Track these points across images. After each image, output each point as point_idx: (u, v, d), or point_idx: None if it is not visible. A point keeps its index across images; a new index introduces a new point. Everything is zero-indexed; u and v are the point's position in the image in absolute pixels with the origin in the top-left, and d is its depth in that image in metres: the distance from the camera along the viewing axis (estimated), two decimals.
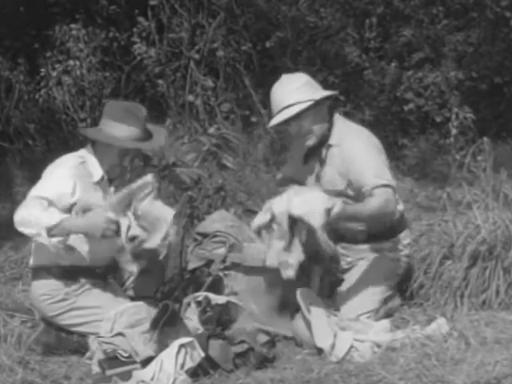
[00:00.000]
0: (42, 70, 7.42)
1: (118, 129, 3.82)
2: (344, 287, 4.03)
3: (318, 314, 3.73)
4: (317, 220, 3.55)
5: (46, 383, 3.52)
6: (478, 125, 7.09)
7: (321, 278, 3.91)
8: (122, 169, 3.92)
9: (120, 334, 3.58)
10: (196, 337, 3.50)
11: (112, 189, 3.93)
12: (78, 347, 3.80)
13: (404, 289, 4.22)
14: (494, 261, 4.07)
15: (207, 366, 3.48)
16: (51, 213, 3.62)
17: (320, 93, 3.98)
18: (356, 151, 3.89)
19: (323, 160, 4.01)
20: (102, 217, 3.67)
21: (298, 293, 3.80)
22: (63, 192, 3.72)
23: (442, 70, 7.47)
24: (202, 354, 3.45)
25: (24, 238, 4.20)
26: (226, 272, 4.11)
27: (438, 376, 3.25)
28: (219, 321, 3.69)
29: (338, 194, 3.88)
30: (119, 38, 7.62)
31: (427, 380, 3.25)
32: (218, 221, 4.35)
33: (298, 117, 3.90)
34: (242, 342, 3.58)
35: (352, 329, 3.72)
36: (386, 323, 3.84)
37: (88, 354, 3.68)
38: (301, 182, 4.07)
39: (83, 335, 3.80)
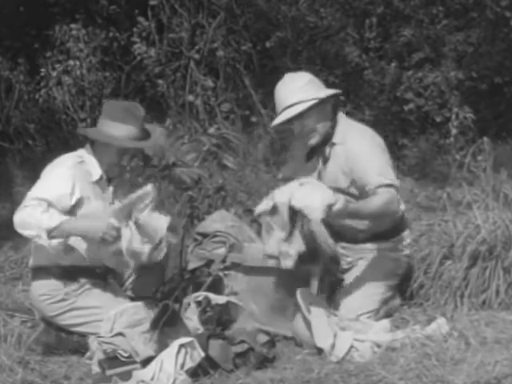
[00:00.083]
0: (42, 69, 7.42)
1: (117, 128, 3.82)
2: (344, 287, 4.03)
3: (318, 314, 3.73)
4: (315, 214, 3.56)
5: (45, 383, 3.52)
6: (477, 125, 7.09)
7: (321, 278, 3.91)
8: (120, 168, 3.92)
9: (120, 334, 3.58)
10: (196, 337, 3.50)
11: (111, 188, 3.94)
12: (78, 347, 3.80)
13: (404, 289, 4.22)
14: (493, 261, 4.07)
15: (207, 365, 3.48)
16: (51, 215, 3.62)
17: (324, 91, 3.98)
18: (360, 150, 3.89)
19: (326, 158, 4.01)
20: (102, 221, 3.67)
21: (298, 293, 3.80)
22: (62, 193, 3.72)
23: (442, 70, 7.47)
24: (202, 354, 3.45)
25: (24, 238, 4.19)
26: (226, 272, 4.11)
27: (438, 376, 3.25)
28: (219, 321, 3.69)
29: (340, 191, 3.89)
30: (119, 38, 7.63)
31: (427, 380, 3.24)
32: (218, 221, 4.35)
33: (301, 116, 3.90)
34: (242, 341, 3.58)
35: (352, 329, 3.72)
36: (385, 323, 3.84)
37: (88, 354, 3.68)
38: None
39: (83, 335, 3.80)
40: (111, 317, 3.68)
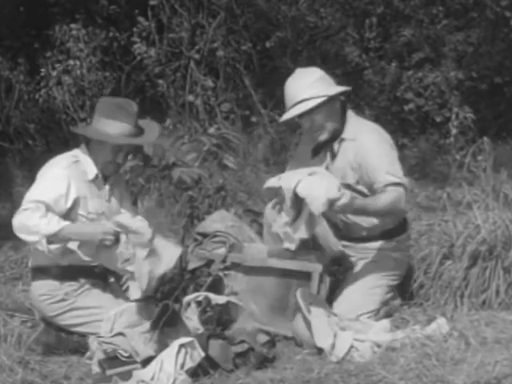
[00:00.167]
0: (42, 69, 7.43)
1: (111, 126, 3.83)
2: (345, 287, 4.03)
3: (318, 314, 3.73)
4: (317, 206, 3.58)
5: (45, 383, 3.51)
6: (478, 125, 7.09)
7: (321, 277, 3.91)
8: (116, 166, 3.92)
9: (120, 333, 3.58)
10: (196, 337, 3.50)
11: (107, 186, 3.94)
12: (78, 347, 3.80)
13: (404, 289, 4.21)
14: (493, 261, 4.07)
15: (207, 365, 3.48)
16: (49, 219, 3.62)
17: (334, 88, 3.98)
18: (370, 146, 3.90)
19: (335, 153, 4.01)
20: (100, 227, 3.68)
21: (298, 293, 3.80)
22: (59, 193, 3.73)
23: (442, 70, 7.48)
24: (202, 354, 3.45)
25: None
26: (226, 272, 4.10)
27: (438, 376, 3.25)
28: (219, 321, 3.69)
29: (348, 188, 3.90)
30: (119, 38, 7.63)
31: (427, 380, 3.24)
32: (218, 221, 4.35)
33: (311, 112, 3.91)
34: (242, 341, 3.58)
35: (352, 329, 3.72)
36: (386, 323, 3.84)
37: (88, 353, 3.68)
38: None
39: (83, 335, 3.80)
40: (111, 317, 3.68)
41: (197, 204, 5.13)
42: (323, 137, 3.99)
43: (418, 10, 7.86)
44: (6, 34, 7.77)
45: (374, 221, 4.01)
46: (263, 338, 3.67)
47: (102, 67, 7.49)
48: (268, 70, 7.91)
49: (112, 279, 3.98)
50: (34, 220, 3.60)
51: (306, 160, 4.10)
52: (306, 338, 3.75)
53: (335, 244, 3.99)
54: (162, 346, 3.49)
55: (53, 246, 3.65)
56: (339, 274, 4.15)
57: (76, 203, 3.79)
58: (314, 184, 3.62)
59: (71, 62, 7.33)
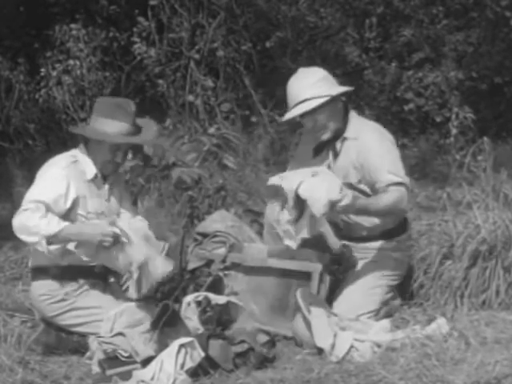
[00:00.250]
0: (42, 69, 7.42)
1: (109, 125, 3.83)
2: (345, 287, 4.03)
3: (318, 314, 3.72)
4: (318, 208, 3.59)
5: (45, 383, 3.51)
6: (478, 125, 7.09)
7: (321, 277, 3.91)
8: (114, 165, 3.92)
9: (120, 333, 3.58)
10: (196, 337, 3.50)
11: (106, 186, 3.94)
12: (78, 347, 3.80)
13: (404, 289, 4.21)
14: (494, 261, 4.07)
15: (207, 365, 3.48)
16: (49, 220, 3.62)
17: (336, 88, 3.98)
18: (373, 146, 3.91)
19: (337, 152, 4.01)
20: (99, 228, 3.68)
21: (298, 293, 3.80)
22: (58, 194, 3.72)
23: (442, 70, 7.48)
24: (202, 354, 3.45)
25: None
26: (226, 272, 4.11)
27: (438, 376, 3.25)
28: (219, 321, 3.69)
29: (349, 186, 3.91)
30: (119, 38, 7.63)
31: (427, 380, 3.24)
32: (218, 221, 4.35)
33: (313, 111, 3.91)
34: (242, 341, 3.58)
35: (352, 329, 3.72)
36: (386, 323, 3.83)
37: (88, 353, 3.68)
38: None
39: (83, 335, 3.79)
40: (111, 317, 3.68)
41: (197, 204, 5.13)
42: (325, 136, 3.99)
43: (418, 9, 7.86)
44: (5, 34, 7.77)
45: (375, 220, 4.01)
46: (263, 338, 3.67)
47: (102, 67, 7.49)
48: (268, 70, 7.91)
49: (112, 279, 3.98)
50: (33, 221, 3.60)
51: (307, 160, 4.10)
52: (306, 338, 3.74)
53: (335, 243, 3.99)
54: (162, 345, 3.49)
55: (52, 247, 3.65)
56: (339, 273, 4.15)
57: (75, 203, 3.79)
58: (316, 185, 3.62)
59: (71, 62, 7.33)
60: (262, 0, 7.85)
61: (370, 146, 3.91)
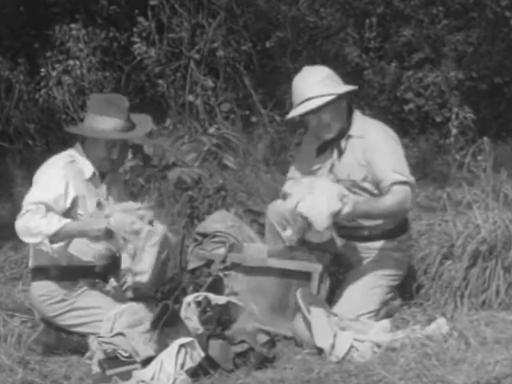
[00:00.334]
0: (42, 69, 7.42)
1: (103, 122, 3.83)
2: (345, 287, 4.03)
3: (318, 314, 3.72)
4: (321, 223, 3.63)
5: (45, 383, 3.51)
6: (478, 125, 7.09)
7: (321, 277, 3.91)
8: (110, 162, 3.91)
9: (120, 333, 3.58)
10: (196, 337, 3.50)
11: (104, 186, 3.94)
12: (78, 347, 3.80)
13: (404, 289, 4.21)
14: (493, 261, 4.07)
15: (207, 365, 3.48)
16: (49, 220, 3.62)
17: (341, 87, 3.98)
18: (378, 145, 3.92)
19: (342, 150, 4.01)
20: (99, 222, 3.68)
21: (298, 293, 3.80)
22: (57, 194, 3.73)
23: (442, 70, 7.48)
24: (202, 354, 3.45)
25: None
26: (226, 272, 4.10)
27: (438, 376, 3.25)
28: (219, 321, 3.69)
29: (352, 184, 3.92)
30: (119, 38, 7.63)
31: (427, 380, 3.24)
32: (218, 221, 4.35)
33: (318, 110, 3.91)
34: (242, 341, 3.58)
35: (352, 329, 3.72)
36: (386, 323, 3.84)
37: (88, 353, 3.68)
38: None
39: (83, 335, 3.80)
40: (111, 317, 3.68)
41: (197, 204, 5.13)
42: (330, 135, 4.00)
43: (418, 9, 7.85)
44: (6, 34, 7.76)
45: (376, 220, 4.01)
46: (263, 338, 3.67)
47: (102, 67, 7.49)
48: (268, 70, 7.90)
49: (112, 279, 3.98)
50: (34, 222, 3.60)
51: (310, 159, 4.11)
52: (305, 338, 3.75)
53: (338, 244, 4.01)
54: (162, 345, 3.49)
55: (56, 246, 3.66)
56: (339, 273, 4.15)
57: (75, 203, 3.79)
58: (315, 203, 3.66)
59: (71, 62, 7.32)
60: (262, 0, 7.84)
61: (376, 144, 3.92)
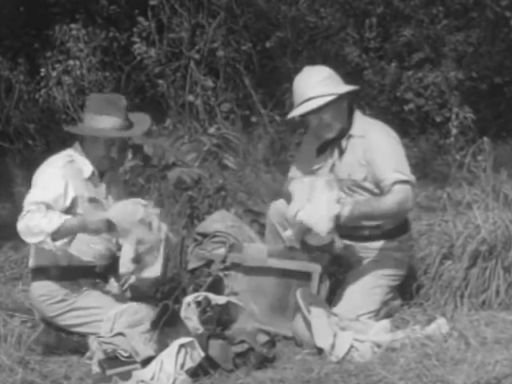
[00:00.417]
0: (42, 69, 7.42)
1: (101, 121, 3.84)
2: (345, 287, 4.03)
3: (318, 314, 3.72)
4: (323, 228, 3.68)
5: (45, 383, 3.51)
6: (478, 125, 7.09)
7: (321, 277, 3.91)
8: (109, 160, 3.91)
9: (120, 333, 3.58)
10: (196, 337, 3.50)
11: (104, 185, 3.94)
12: (78, 347, 3.80)
13: (404, 289, 4.21)
14: (493, 261, 4.07)
15: (207, 365, 3.48)
16: (50, 218, 3.62)
17: (342, 87, 3.99)
18: (379, 144, 3.92)
19: (343, 150, 4.01)
20: (102, 215, 3.68)
21: (298, 293, 3.80)
22: (57, 193, 3.73)
23: (442, 70, 7.48)
24: (202, 354, 3.45)
25: None
26: (226, 272, 4.10)
27: (438, 376, 3.25)
28: (219, 321, 3.69)
29: (353, 184, 3.92)
30: (119, 38, 7.63)
31: (427, 380, 3.24)
32: (218, 221, 4.35)
33: (319, 110, 3.91)
34: (242, 341, 3.58)
35: (352, 329, 3.72)
36: (386, 323, 3.83)
37: (88, 353, 3.68)
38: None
39: (83, 335, 3.80)
40: (111, 317, 3.68)
41: (197, 204, 5.13)
42: (330, 135, 4.00)
43: (418, 9, 7.85)
44: (5, 34, 7.76)
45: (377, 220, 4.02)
46: (263, 338, 3.67)
47: (102, 67, 7.49)
48: (268, 70, 7.90)
49: (112, 279, 3.98)
50: (35, 221, 3.60)
51: (310, 159, 4.11)
52: (305, 338, 3.74)
53: (338, 245, 4.01)
54: (162, 346, 3.49)
55: (58, 243, 3.65)
56: (339, 274, 4.15)
57: (74, 202, 3.79)
58: (314, 209, 3.69)
59: (71, 62, 7.32)
60: (262, 0, 7.84)
61: (377, 144, 3.92)
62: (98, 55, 7.46)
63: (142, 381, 3.38)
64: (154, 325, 3.56)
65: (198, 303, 3.75)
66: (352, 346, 3.60)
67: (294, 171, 4.20)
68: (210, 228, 4.30)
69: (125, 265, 3.72)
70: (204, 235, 4.30)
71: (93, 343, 3.62)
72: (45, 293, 3.85)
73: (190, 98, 7.41)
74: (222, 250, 4.17)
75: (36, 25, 7.84)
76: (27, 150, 7.43)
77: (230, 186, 5.76)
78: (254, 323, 3.79)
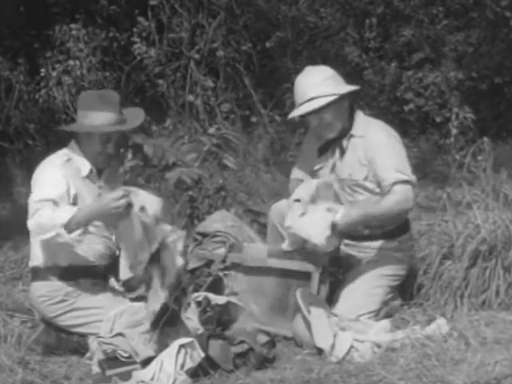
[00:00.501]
0: (42, 69, 7.42)
1: (95, 117, 3.83)
2: (345, 287, 4.03)
3: (318, 314, 3.72)
4: (320, 237, 3.74)
5: (45, 383, 3.52)
6: (478, 125, 7.09)
7: (320, 278, 3.91)
8: (106, 156, 3.90)
9: (120, 334, 3.58)
10: (196, 337, 3.50)
11: (101, 182, 3.94)
12: (78, 347, 3.80)
13: (404, 289, 4.21)
14: (493, 261, 4.07)
15: (207, 366, 3.48)
16: (59, 211, 3.61)
17: (344, 87, 3.99)
18: (380, 144, 3.93)
19: (343, 150, 4.02)
20: (109, 195, 3.63)
21: (298, 293, 3.80)
22: (62, 190, 3.73)
23: (442, 70, 7.48)
24: (202, 354, 3.45)
25: (24, 238, 4.19)
26: (226, 272, 4.11)
27: (437, 376, 3.25)
28: (219, 321, 3.69)
29: (354, 184, 3.92)
30: (119, 38, 7.63)
31: (427, 380, 3.24)
32: (218, 221, 4.35)
33: (320, 110, 3.91)
34: (242, 342, 3.58)
35: (352, 329, 3.72)
36: (386, 323, 3.84)
37: (88, 354, 3.68)
38: (313, 176, 4.09)
39: (83, 336, 3.79)
40: (111, 317, 3.68)
41: (197, 204, 5.13)
42: (331, 135, 4.00)
43: (418, 9, 7.85)
44: (6, 34, 7.76)
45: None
46: (263, 339, 3.67)
47: (102, 67, 7.49)
48: (268, 70, 7.91)
49: (112, 279, 3.98)
50: (46, 217, 3.59)
51: (312, 159, 4.12)
52: (305, 339, 3.74)
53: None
54: (162, 346, 3.49)
55: (73, 235, 3.63)
56: (339, 274, 4.15)
57: (75, 200, 3.79)
58: (309, 223, 3.75)
59: (71, 62, 7.32)
60: (262, 0, 7.84)
61: (378, 144, 3.93)
62: (98, 55, 7.46)
63: (142, 381, 3.38)
64: (154, 325, 3.56)
65: (198, 303, 3.75)
66: (352, 347, 3.60)
67: (296, 172, 4.21)
68: (210, 228, 4.30)
69: (124, 272, 3.74)
70: (204, 235, 4.30)
71: (93, 343, 3.62)
72: (45, 293, 3.85)
73: (190, 98, 7.41)
74: (222, 250, 4.17)
75: (36, 25, 7.84)
76: (27, 150, 7.43)
77: (230, 186, 5.76)
78: (254, 323, 3.79)
